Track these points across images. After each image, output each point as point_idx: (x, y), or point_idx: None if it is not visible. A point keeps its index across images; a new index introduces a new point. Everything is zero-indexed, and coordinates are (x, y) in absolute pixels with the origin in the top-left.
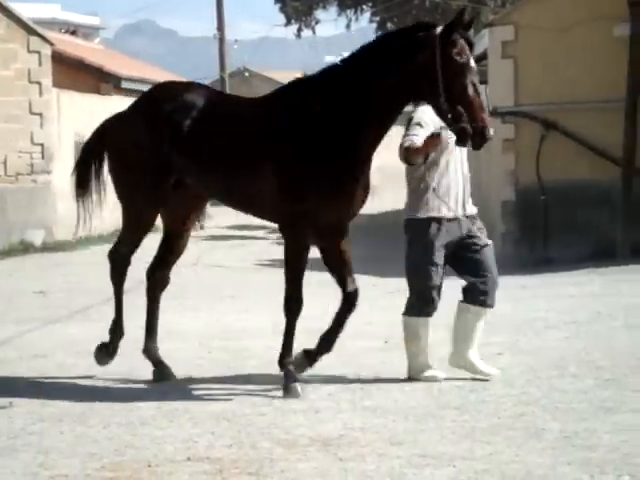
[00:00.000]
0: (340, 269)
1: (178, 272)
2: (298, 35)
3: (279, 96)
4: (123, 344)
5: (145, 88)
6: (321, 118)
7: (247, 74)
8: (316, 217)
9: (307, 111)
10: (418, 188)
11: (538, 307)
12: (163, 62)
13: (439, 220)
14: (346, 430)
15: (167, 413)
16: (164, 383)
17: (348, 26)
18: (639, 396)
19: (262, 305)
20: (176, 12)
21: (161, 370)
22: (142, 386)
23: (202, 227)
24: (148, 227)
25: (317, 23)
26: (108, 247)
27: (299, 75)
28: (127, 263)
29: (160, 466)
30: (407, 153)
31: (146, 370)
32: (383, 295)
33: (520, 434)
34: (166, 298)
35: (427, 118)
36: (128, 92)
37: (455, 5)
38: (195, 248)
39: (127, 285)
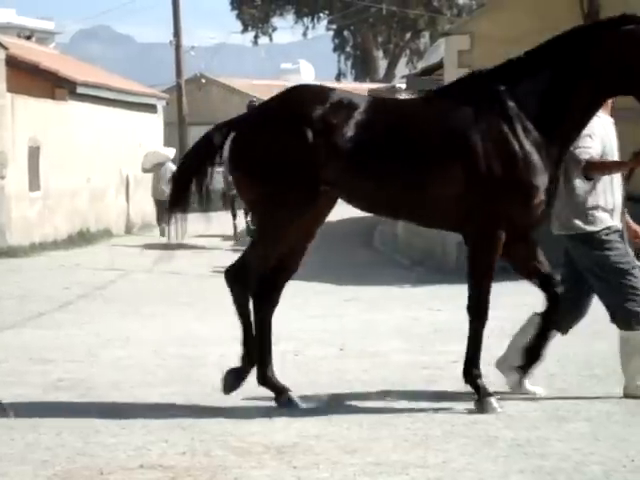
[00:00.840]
0: (536, 272)
1: (134, 279)
2: (255, 42)
3: (460, 92)
4: (79, 351)
5: (101, 94)
6: (519, 113)
7: (204, 80)
8: (515, 218)
9: (504, 105)
10: (584, 201)
11: (494, 316)
12: (119, 68)
13: (614, 229)
14: (300, 438)
15: (120, 421)
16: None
17: (305, 34)
18: (591, 405)
19: (218, 312)
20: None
21: (286, 396)
22: (95, 393)
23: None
24: (287, 243)
25: (274, 30)
26: (62, 253)
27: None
28: (254, 280)
29: (112, 474)
30: (588, 166)
31: (100, 377)
32: (339, 303)
33: (473, 442)
34: (121, 305)
35: (595, 130)
36: (83, 97)
37: (412, 14)
38: (150, 255)
39: (82, 291)
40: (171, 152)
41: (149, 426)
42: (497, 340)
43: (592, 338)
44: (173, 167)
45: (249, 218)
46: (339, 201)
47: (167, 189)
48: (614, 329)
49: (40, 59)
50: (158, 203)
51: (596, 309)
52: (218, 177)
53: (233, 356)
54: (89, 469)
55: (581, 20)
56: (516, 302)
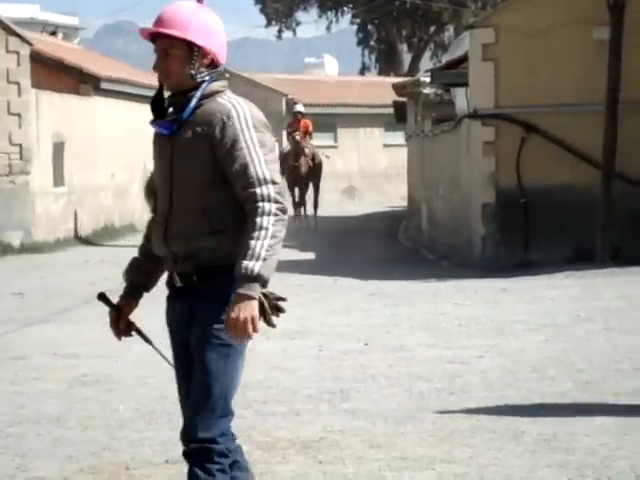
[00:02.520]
0: None
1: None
2: (279, 36)
3: None
4: (104, 347)
5: (125, 89)
6: None
7: (227, 75)
8: None
9: None
10: None
11: (518, 310)
12: (143, 63)
13: None
14: (326, 433)
15: (145, 415)
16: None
17: (329, 28)
18: (618, 399)
19: None
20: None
21: None
22: (120, 388)
23: None
24: None
25: (298, 25)
26: (87, 249)
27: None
28: None
29: (138, 469)
30: None
31: (125, 372)
32: (363, 298)
33: (499, 437)
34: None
35: None
36: (107, 93)
37: (436, 7)
38: None
39: (107, 286)
40: None
41: (174, 421)
42: (523, 334)
43: (618, 333)
44: None
45: None
46: (363, 197)
47: None
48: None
49: (64, 55)
50: None
51: (624, 305)
52: None
53: (258, 350)
54: (115, 464)
55: (607, 13)
56: (538, 297)
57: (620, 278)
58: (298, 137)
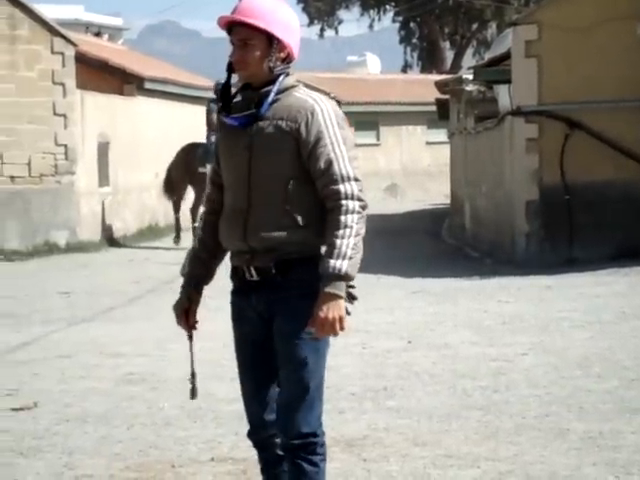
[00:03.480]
0: None
1: None
2: (321, 35)
3: None
4: (149, 345)
5: (168, 89)
6: None
7: None
8: None
9: None
10: None
11: (562, 307)
12: (187, 63)
13: None
14: (370, 431)
15: (191, 413)
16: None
17: (371, 26)
18: None
19: None
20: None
21: None
22: (165, 386)
23: None
24: None
25: (340, 23)
26: (132, 248)
27: (320, 75)
28: None
29: (184, 467)
30: None
31: (170, 370)
32: (406, 296)
33: (544, 434)
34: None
35: None
36: (151, 93)
37: (479, 4)
38: None
39: (151, 285)
40: None
41: (220, 419)
42: (568, 331)
43: None
44: None
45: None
46: (405, 194)
47: None
48: None
49: (108, 55)
50: None
51: None
52: None
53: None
54: (161, 462)
55: None
56: (583, 294)
57: None
58: None
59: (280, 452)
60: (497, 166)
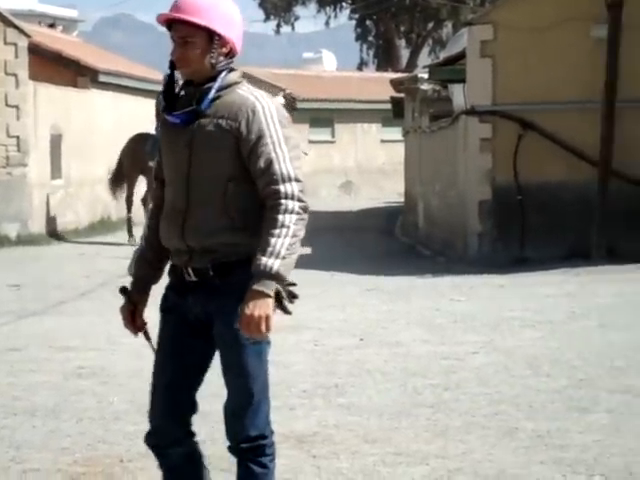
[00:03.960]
0: None
1: None
2: (277, 31)
3: None
4: (100, 339)
5: (123, 82)
6: None
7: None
8: None
9: None
10: None
11: (514, 306)
12: (141, 56)
13: None
14: (320, 427)
15: (140, 408)
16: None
17: (327, 23)
18: (612, 396)
19: None
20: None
21: None
22: (115, 381)
23: None
24: None
25: (296, 19)
26: (83, 242)
27: (276, 71)
28: None
29: (132, 461)
30: None
31: (120, 364)
32: (359, 293)
33: (494, 433)
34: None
35: None
36: (105, 86)
37: (435, 3)
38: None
39: (103, 279)
40: None
41: None
42: (518, 330)
43: (613, 330)
44: None
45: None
46: (359, 192)
47: None
48: (636, 321)
49: (62, 47)
50: None
51: (619, 303)
52: None
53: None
54: (109, 456)
55: (605, 11)
56: (534, 293)
57: (615, 275)
58: None
59: (180, 460)
60: (451, 165)
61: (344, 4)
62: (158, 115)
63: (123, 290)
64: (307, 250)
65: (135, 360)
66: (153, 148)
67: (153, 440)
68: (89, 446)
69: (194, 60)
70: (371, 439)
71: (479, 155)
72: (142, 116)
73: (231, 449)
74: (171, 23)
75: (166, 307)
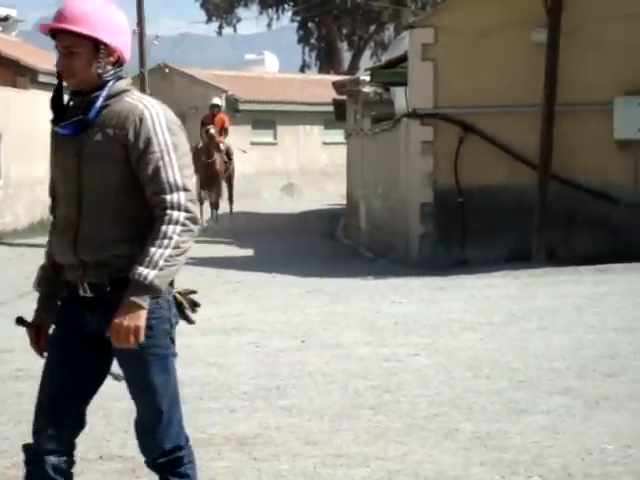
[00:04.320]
0: None
1: None
2: (219, 32)
3: None
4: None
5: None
6: None
7: (167, 70)
8: None
9: None
10: None
11: (454, 308)
12: None
13: None
14: (261, 429)
15: None
16: None
17: (269, 25)
18: (551, 398)
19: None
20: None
21: None
22: None
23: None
24: None
25: (238, 21)
26: (21, 242)
27: (218, 73)
28: None
29: None
30: None
31: None
32: (301, 295)
33: (434, 434)
34: None
35: None
36: (45, 86)
37: (376, 6)
38: None
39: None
40: None
41: (109, 417)
42: (459, 332)
43: (552, 332)
44: None
45: None
46: (302, 194)
47: None
48: (575, 323)
49: (1, 47)
50: None
51: (559, 305)
52: None
53: (194, 346)
54: None
55: (545, 15)
56: (474, 295)
57: (555, 278)
58: (213, 131)
59: (52, 473)
60: (392, 168)
61: (286, 6)
62: None
63: (19, 320)
64: (249, 252)
65: None
66: None
67: (32, 449)
68: None
69: (80, 70)
70: (312, 441)
71: (420, 158)
72: None
73: (148, 464)
74: (55, 33)
75: (59, 321)
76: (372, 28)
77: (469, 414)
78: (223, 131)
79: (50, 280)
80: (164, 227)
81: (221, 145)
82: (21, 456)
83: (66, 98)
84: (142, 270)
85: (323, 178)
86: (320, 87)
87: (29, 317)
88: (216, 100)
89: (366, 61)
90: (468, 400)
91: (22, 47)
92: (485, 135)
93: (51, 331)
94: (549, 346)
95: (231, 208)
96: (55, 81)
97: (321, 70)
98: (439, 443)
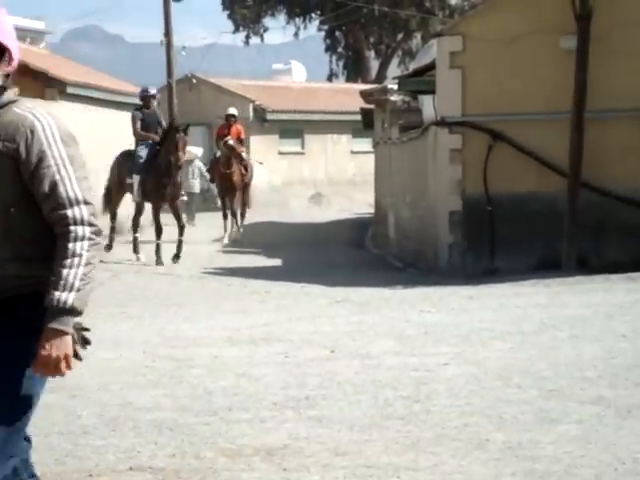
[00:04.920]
0: None
1: (123, 280)
2: (246, 42)
3: None
4: None
5: (91, 94)
6: None
7: (194, 81)
8: None
9: None
10: None
11: (484, 317)
12: (110, 68)
13: None
14: (291, 440)
15: (109, 422)
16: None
17: (296, 34)
18: (583, 407)
19: (207, 313)
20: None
21: None
22: (84, 394)
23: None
24: None
25: (265, 30)
26: None
27: (245, 82)
28: None
29: (102, 476)
30: None
31: (89, 378)
32: (330, 305)
33: (464, 445)
34: (110, 306)
35: None
36: (74, 97)
37: (404, 14)
38: (141, 255)
39: None
40: (199, 151)
41: (139, 428)
42: (489, 341)
43: (583, 341)
44: (200, 164)
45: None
46: (330, 203)
47: (197, 183)
48: (607, 332)
49: (30, 59)
50: (189, 195)
51: (590, 313)
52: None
53: (223, 357)
54: (78, 471)
55: (573, 22)
56: (504, 304)
57: (585, 286)
58: (232, 142)
59: None
60: (421, 176)
61: (313, 15)
62: (134, 132)
63: None
64: (277, 262)
65: (103, 374)
66: (131, 166)
67: None
68: (57, 461)
69: None
70: (342, 452)
71: (449, 166)
72: (111, 128)
73: None
74: None
75: None
76: (400, 36)
77: (500, 424)
78: (240, 142)
79: None
80: (71, 245)
81: (243, 154)
82: (51, 468)
83: None
84: (59, 295)
85: (351, 187)
86: (347, 96)
87: None
88: (232, 110)
89: (394, 69)
90: (499, 410)
91: (51, 59)
92: (514, 143)
93: None
94: (580, 355)
95: (241, 221)
96: (83, 92)
97: (348, 79)
98: (470, 453)
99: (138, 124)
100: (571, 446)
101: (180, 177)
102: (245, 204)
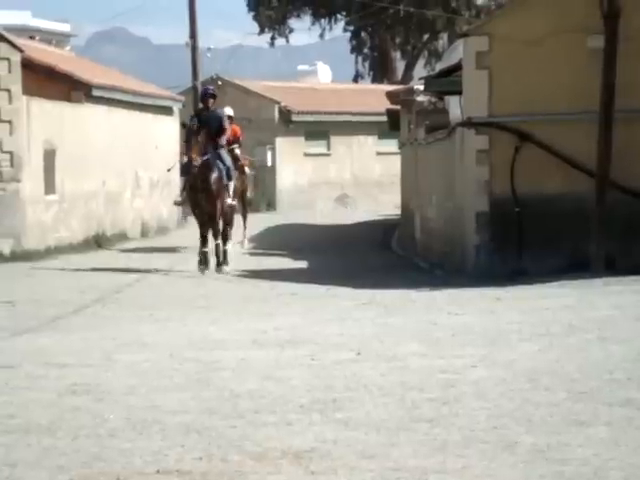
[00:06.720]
0: None
1: (150, 283)
2: (272, 44)
3: None
4: (95, 355)
5: (117, 96)
6: None
7: (220, 82)
8: None
9: None
10: None
11: (512, 319)
12: (136, 70)
13: None
14: (318, 443)
15: (136, 425)
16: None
17: (322, 35)
18: (611, 409)
19: (234, 316)
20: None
21: None
22: (111, 397)
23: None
24: None
25: (291, 32)
26: (78, 257)
27: (271, 84)
28: None
29: (129, 479)
30: None
31: (116, 381)
32: (356, 307)
33: (493, 447)
34: (136, 308)
35: None
36: (99, 100)
37: (430, 15)
38: (166, 258)
39: (97, 295)
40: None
41: (165, 431)
42: (517, 343)
43: (612, 343)
44: None
45: None
46: (356, 204)
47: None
48: (636, 333)
49: (56, 61)
50: None
51: (618, 315)
52: None
53: (249, 360)
54: (105, 474)
55: (601, 22)
56: (532, 306)
57: (614, 288)
58: (238, 152)
59: None
60: (447, 177)
61: (339, 16)
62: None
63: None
64: (303, 264)
65: (130, 377)
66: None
67: None
68: (85, 464)
69: None
70: (369, 454)
71: (476, 167)
72: (136, 130)
73: None
74: None
75: None
76: (425, 37)
77: (528, 426)
78: (236, 143)
79: None
80: None
81: (246, 169)
82: (79, 471)
83: None
84: None
85: (377, 188)
86: (373, 97)
87: (88, 330)
88: (228, 110)
89: (420, 70)
90: (527, 412)
91: (76, 61)
92: (541, 143)
93: None
94: (609, 357)
95: (244, 234)
96: (109, 95)
97: (374, 80)
98: (498, 456)
99: (190, 137)
100: (600, 448)
101: None
102: (245, 213)
